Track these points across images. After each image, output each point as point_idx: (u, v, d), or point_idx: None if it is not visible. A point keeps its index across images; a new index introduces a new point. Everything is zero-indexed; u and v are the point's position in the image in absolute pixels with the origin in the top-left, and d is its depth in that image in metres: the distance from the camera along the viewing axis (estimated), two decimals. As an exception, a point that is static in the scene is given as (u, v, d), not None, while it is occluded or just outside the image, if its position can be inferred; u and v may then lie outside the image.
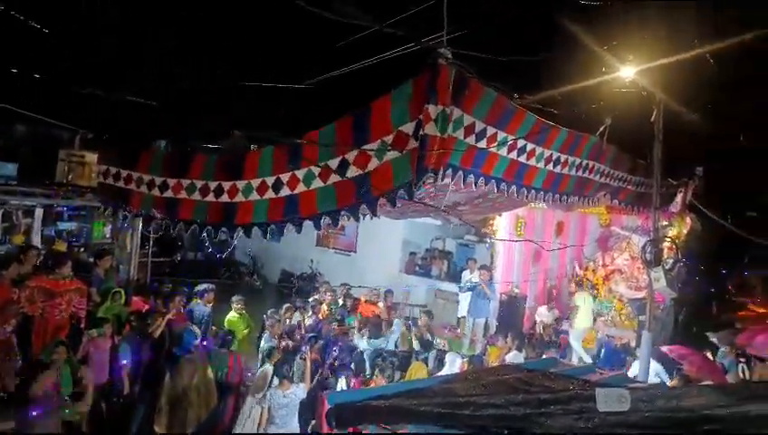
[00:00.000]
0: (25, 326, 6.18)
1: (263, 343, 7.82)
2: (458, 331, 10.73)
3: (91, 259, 8.49)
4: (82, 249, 11.07)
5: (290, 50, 8.91)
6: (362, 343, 8.51)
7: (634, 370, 7.43)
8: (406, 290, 10.62)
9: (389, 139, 4.24)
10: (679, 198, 9.85)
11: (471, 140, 4.51)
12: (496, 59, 5.58)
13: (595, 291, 10.93)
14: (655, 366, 7.32)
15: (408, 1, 6.29)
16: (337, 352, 7.83)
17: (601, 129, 6.52)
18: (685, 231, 10.21)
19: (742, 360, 7.75)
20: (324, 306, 9.39)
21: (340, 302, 9.79)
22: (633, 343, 9.39)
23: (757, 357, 7.53)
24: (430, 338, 9.12)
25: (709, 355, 8.13)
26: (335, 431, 3.28)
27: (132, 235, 8.12)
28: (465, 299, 10.49)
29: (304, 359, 6.73)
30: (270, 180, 4.82)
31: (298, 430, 6.21)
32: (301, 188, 4.66)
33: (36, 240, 9.61)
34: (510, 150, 5.09)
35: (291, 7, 5.28)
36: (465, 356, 8.28)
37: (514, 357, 7.85)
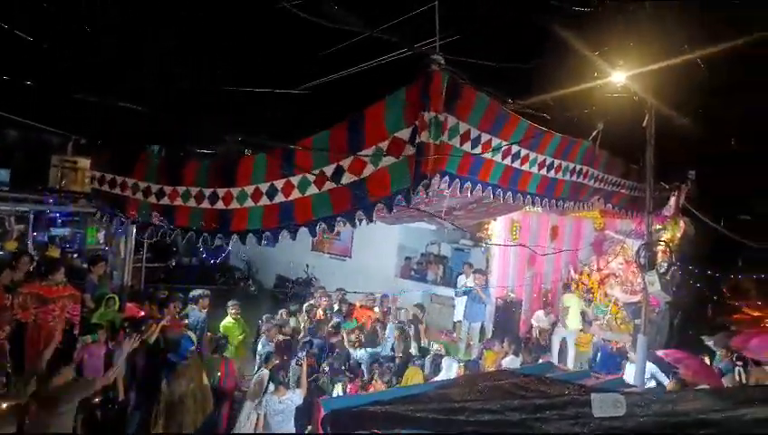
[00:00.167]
0: (18, 333, 6.10)
1: (259, 347, 7.81)
2: (454, 335, 10.74)
3: (85, 265, 8.45)
4: (76, 255, 10.99)
5: (283, 56, 8.91)
6: (357, 353, 8.48)
7: (629, 373, 7.45)
8: (394, 296, 10.62)
9: (385, 145, 4.24)
10: (672, 201, 9.93)
11: (467, 147, 4.52)
12: (489, 64, 5.61)
13: (591, 295, 10.98)
14: (651, 367, 7.36)
15: (401, 7, 6.30)
16: (332, 357, 7.81)
17: (594, 133, 6.57)
18: (678, 235, 10.26)
19: (738, 363, 7.75)
20: (320, 311, 9.37)
21: (336, 307, 9.76)
22: (629, 347, 9.42)
23: (754, 360, 7.55)
24: (422, 334, 9.04)
25: (706, 359, 8.15)
26: (331, 438, 3.26)
27: (126, 240, 8.09)
28: (460, 303, 10.50)
29: (300, 364, 6.71)
30: (264, 187, 4.82)
31: (294, 437, 6.19)
32: (296, 194, 4.67)
33: (29, 246, 9.55)
34: (504, 156, 5.11)
35: (283, 13, 5.28)
36: (461, 361, 8.28)
37: (511, 361, 7.86)
